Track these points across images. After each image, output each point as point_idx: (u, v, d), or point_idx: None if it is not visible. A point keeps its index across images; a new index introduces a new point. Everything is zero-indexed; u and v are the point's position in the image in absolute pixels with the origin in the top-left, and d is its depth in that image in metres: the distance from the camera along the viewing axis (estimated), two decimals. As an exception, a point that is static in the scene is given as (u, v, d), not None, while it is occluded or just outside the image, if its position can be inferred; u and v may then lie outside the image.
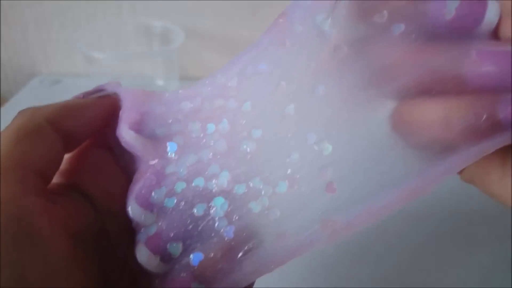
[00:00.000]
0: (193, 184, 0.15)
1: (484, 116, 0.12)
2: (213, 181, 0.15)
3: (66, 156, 0.16)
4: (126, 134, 0.15)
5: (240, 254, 0.14)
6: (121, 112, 0.16)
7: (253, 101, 0.15)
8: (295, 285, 0.28)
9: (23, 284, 0.11)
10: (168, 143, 0.15)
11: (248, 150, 0.15)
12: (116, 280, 0.16)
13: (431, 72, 0.12)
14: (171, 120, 0.16)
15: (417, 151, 0.13)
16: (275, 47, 0.15)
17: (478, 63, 0.12)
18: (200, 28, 0.51)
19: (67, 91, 0.61)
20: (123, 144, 0.16)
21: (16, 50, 0.55)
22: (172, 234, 0.14)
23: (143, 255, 0.14)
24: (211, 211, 0.15)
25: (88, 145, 0.17)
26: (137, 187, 0.15)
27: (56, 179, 0.16)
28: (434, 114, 0.12)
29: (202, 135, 0.15)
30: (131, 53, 0.54)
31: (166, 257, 0.14)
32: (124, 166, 0.17)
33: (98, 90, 0.17)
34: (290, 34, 0.15)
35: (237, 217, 0.14)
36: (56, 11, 0.52)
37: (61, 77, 0.54)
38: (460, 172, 0.15)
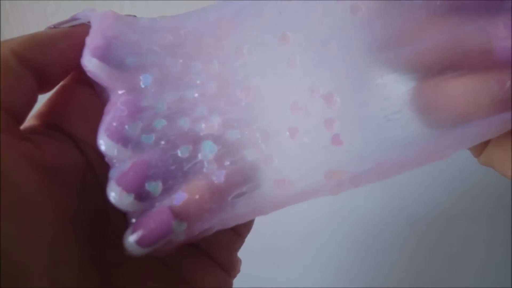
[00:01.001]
0: (177, 124, 0.14)
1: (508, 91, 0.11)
2: (201, 123, 0.14)
3: (47, 97, 0.15)
4: (88, 62, 0.14)
5: (231, 196, 0.14)
6: (86, 38, 0.15)
7: (250, 45, 0.14)
8: (294, 285, 0.28)
9: None
10: (141, 75, 0.14)
11: (243, 96, 0.14)
12: (105, 221, 0.15)
13: (455, 42, 0.12)
14: (145, 50, 0.14)
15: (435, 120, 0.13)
16: None
17: (505, 37, 0.11)
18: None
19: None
20: (88, 74, 0.14)
21: (17, 51, 0.55)
22: (150, 172, 0.14)
23: (114, 193, 0.14)
24: (198, 154, 0.14)
25: (69, 83, 0.16)
26: (107, 119, 0.14)
27: (35, 121, 0.15)
28: (460, 91, 0.12)
29: (185, 72, 0.14)
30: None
31: (143, 196, 0.14)
32: (105, 102, 0.15)
33: (72, 19, 0.16)
34: None
35: (228, 162, 0.14)
36: (58, 11, 0.52)
37: (62, 78, 0.54)
38: (478, 155, 0.14)
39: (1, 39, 0.63)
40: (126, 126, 0.14)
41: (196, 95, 0.14)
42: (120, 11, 0.54)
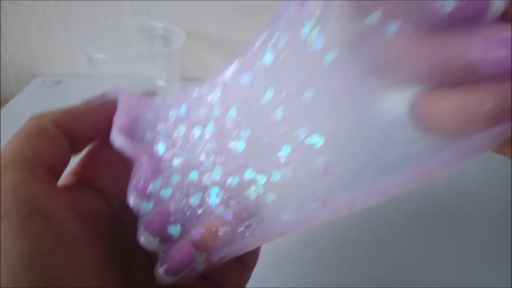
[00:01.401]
0: (188, 177, 0.17)
1: (503, 102, 0.11)
2: (207, 175, 0.17)
3: (78, 159, 0.18)
4: (115, 139, 0.17)
5: (240, 229, 0.16)
6: (114, 117, 0.18)
7: (239, 107, 0.16)
8: (294, 285, 0.28)
9: (39, 252, 0.13)
10: (157, 145, 0.17)
11: (239, 148, 0.16)
12: (132, 258, 0.18)
13: (438, 63, 0.12)
14: (159, 125, 0.17)
15: (431, 136, 0.13)
16: (258, 58, 0.16)
17: (487, 50, 0.11)
18: (201, 29, 0.52)
19: (68, 92, 0.61)
20: (116, 147, 0.17)
21: (17, 51, 0.55)
22: (169, 218, 0.16)
23: (143, 237, 0.16)
24: (207, 200, 0.16)
25: (97, 146, 0.19)
26: (135, 179, 0.17)
27: (70, 179, 0.18)
28: (451, 105, 0.12)
29: (190, 137, 0.17)
30: (133, 54, 0.54)
31: (166, 238, 0.16)
32: (129, 162, 0.18)
33: (102, 96, 0.19)
34: (275, 48, 0.15)
35: (234, 203, 0.16)
36: (58, 11, 0.52)
37: (62, 78, 0.54)
38: None
39: (1, 39, 0.63)
40: (150, 186, 0.17)
41: (201, 153, 0.17)
42: (120, 11, 0.54)
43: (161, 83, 0.52)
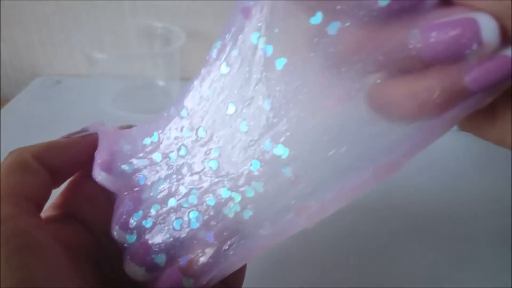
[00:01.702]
0: (167, 205, 0.17)
1: (451, 86, 0.12)
2: (184, 199, 0.17)
3: (59, 191, 0.19)
4: (97, 175, 0.18)
5: (224, 249, 0.16)
6: (95, 153, 0.18)
7: (206, 126, 0.16)
8: (294, 285, 0.28)
9: (30, 284, 0.13)
10: (138, 177, 0.18)
11: (210, 168, 0.17)
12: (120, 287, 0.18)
13: (384, 54, 0.13)
14: (136, 157, 0.18)
15: (389, 126, 0.14)
16: (215, 73, 0.16)
17: (427, 37, 0.12)
18: (201, 29, 0.51)
19: (68, 92, 0.61)
20: (98, 182, 0.18)
21: (17, 51, 0.55)
22: (154, 248, 0.17)
23: (129, 268, 0.17)
24: (188, 224, 0.17)
25: (78, 178, 0.19)
26: (118, 214, 0.18)
27: (53, 212, 0.18)
28: (402, 92, 0.13)
29: (165, 164, 0.17)
30: (132, 54, 0.54)
31: (152, 267, 0.17)
32: (110, 193, 0.19)
33: (82, 130, 0.20)
34: (229, 59, 0.16)
35: (214, 223, 0.16)
36: (58, 11, 0.52)
37: (62, 78, 0.54)
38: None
39: (1, 39, 0.63)
40: (131, 219, 0.17)
41: (177, 178, 0.17)
42: (120, 11, 0.54)
43: (161, 83, 0.52)
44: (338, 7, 0.13)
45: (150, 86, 0.52)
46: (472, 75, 0.12)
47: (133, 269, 0.17)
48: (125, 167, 0.18)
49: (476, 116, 0.14)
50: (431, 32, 0.12)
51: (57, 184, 0.18)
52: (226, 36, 0.16)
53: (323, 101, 0.14)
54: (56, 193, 0.19)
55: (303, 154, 0.15)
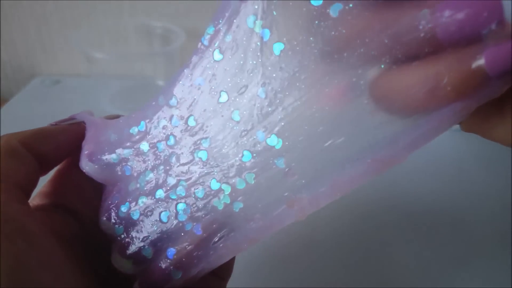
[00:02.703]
0: (155, 197, 0.17)
1: (464, 72, 0.11)
2: (173, 191, 0.16)
3: (48, 179, 0.19)
4: (85, 166, 0.17)
5: (212, 242, 0.16)
6: (83, 143, 0.18)
7: (196, 115, 0.16)
8: (294, 285, 0.28)
9: (22, 271, 0.13)
10: (124, 167, 0.17)
11: (200, 159, 0.16)
12: (111, 276, 0.18)
13: (391, 37, 0.12)
14: (123, 146, 0.17)
15: (389, 119, 0.13)
16: (207, 60, 0.15)
17: (437, 19, 0.11)
18: (200, 28, 0.51)
19: (67, 91, 0.61)
20: (85, 173, 0.18)
21: (16, 50, 0.55)
22: (141, 240, 0.17)
23: (117, 261, 0.17)
24: (176, 216, 0.16)
25: (65, 167, 0.19)
26: (105, 206, 0.18)
27: (41, 201, 0.18)
28: (408, 79, 0.12)
29: (153, 154, 0.17)
30: (132, 54, 0.54)
31: (140, 260, 0.17)
32: (98, 183, 0.19)
33: (70, 118, 0.19)
34: (222, 45, 0.15)
35: (203, 215, 0.16)
36: (57, 11, 0.52)
37: (61, 77, 0.54)
38: (460, 123, 0.14)
39: (1, 39, 0.62)
40: (119, 210, 0.17)
41: (164, 169, 0.17)
42: (120, 10, 0.54)
43: (160, 82, 0.52)
44: None
45: (149, 86, 0.52)
46: (491, 57, 0.10)
47: (121, 262, 0.17)
48: (111, 157, 0.17)
49: (483, 113, 0.13)
50: (443, 11, 0.11)
51: (44, 172, 0.18)
52: (220, 21, 0.15)
53: (321, 89, 0.14)
54: (43, 182, 0.18)
55: (297, 145, 0.14)
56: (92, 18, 0.52)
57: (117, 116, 0.19)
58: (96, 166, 0.17)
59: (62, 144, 0.18)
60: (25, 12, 0.52)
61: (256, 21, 0.14)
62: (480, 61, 0.11)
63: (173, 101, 0.16)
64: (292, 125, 0.14)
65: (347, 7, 0.12)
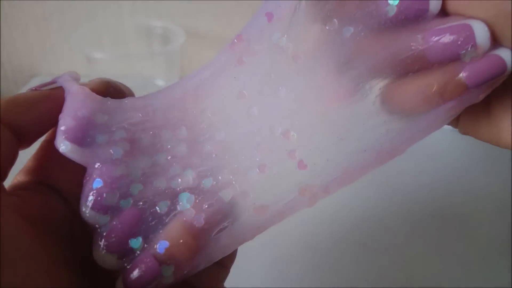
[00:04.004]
0: (153, 185, 0.16)
1: (448, 82, 0.14)
2: (177, 180, 0.16)
3: (30, 153, 0.17)
4: (60, 144, 0.15)
5: (214, 233, 0.15)
6: (60, 116, 0.16)
7: (213, 109, 0.16)
8: (294, 285, 0.28)
9: None
10: (112, 149, 0.15)
11: (213, 150, 0.16)
12: (98, 268, 0.16)
13: (390, 55, 0.15)
14: (114, 128, 0.16)
15: (392, 117, 0.16)
16: (233, 65, 0.17)
17: (428, 41, 0.14)
18: (200, 28, 0.51)
19: (67, 92, 0.60)
20: (62, 153, 0.15)
21: (16, 51, 0.55)
22: (130, 232, 0.15)
23: (98, 255, 0.15)
24: (177, 206, 0.15)
25: (50, 139, 0.16)
26: (86, 191, 0.15)
27: (25, 178, 0.16)
28: (411, 89, 0.15)
29: (155, 140, 0.16)
30: (132, 54, 0.54)
31: (125, 254, 0.15)
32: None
33: (51, 82, 0.17)
34: (248, 53, 0.17)
35: (206, 206, 0.15)
36: (56, 11, 0.52)
37: (61, 77, 0.54)
38: (457, 126, 0.18)
39: (0, 39, 0.62)
40: (104, 195, 0.15)
41: (168, 157, 0.16)
42: (119, 10, 0.54)
43: (160, 82, 0.52)
44: (352, 16, 0.15)
45: (149, 86, 0.52)
46: (468, 71, 0.14)
47: (103, 257, 0.15)
48: (96, 137, 0.15)
49: (474, 117, 0.17)
50: (431, 37, 0.14)
51: (25, 145, 0.16)
52: (248, 32, 0.17)
53: (334, 91, 0.16)
54: (26, 157, 0.17)
55: (311, 139, 0.16)
56: (92, 18, 0.52)
57: (103, 82, 0.18)
58: (75, 146, 0.15)
59: (43, 112, 0.15)
60: (25, 12, 0.52)
61: (280, 38, 0.16)
62: (460, 75, 0.14)
63: (189, 95, 0.17)
64: (307, 121, 0.16)
65: (357, 30, 0.15)
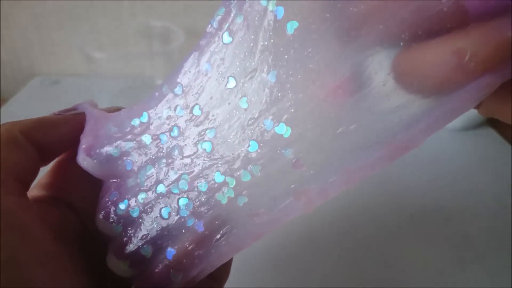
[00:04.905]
0: (156, 192, 0.16)
1: (488, 45, 0.10)
2: (174, 185, 0.16)
3: (47, 170, 0.18)
4: (82, 160, 0.17)
5: (214, 240, 0.15)
6: (81, 136, 0.17)
7: (202, 103, 0.15)
8: (294, 285, 0.28)
9: (14, 265, 0.13)
10: (125, 161, 0.17)
11: (204, 150, 0.15)
12: (109, 277, 0.17)
13: (411, 15, 0.11)
14: (124, 139, 0.17)
15: (408, 99, 0.12)
16: (215, 44, 0.14)
17: None
18: (200, 28, 0.51)
19: (66, 91, 0.61)
20: (83, 168, 0.17)
21: (16, 50, 0.54)
22: (140, 239, 0.16)
23: (112, 263, 0.16)
24: (178, 212, 0.16)
25: (66, 158, 0.18)
26: (102, 203, 0.17)
27: (40, 192, 0.18)
28: (429, 57, 0.11)
29: (155, 146, 0.16)
30: (131, 53, 0.54)
31: (137, 260, 0.16)
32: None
33: (73, 108, 0.19)
34: (232, 26, 0.14)
35: (205, 210, 0.15)
36: (56, 11, 0.52)
37: (60, 77, 0.54)
38: (478, 107, 0.13)
39: (1, 39, 0.62)
40: (117, 208, 0.16)
41: (166, 163, 0.16)
42: (119, 10, 0.54)
43: (160, 82, 0.51)
44: None
45: (149, 86, 0.52)
46: None
47: (116, 264, 0.16)
48: (111, 150, 0.17)
49: (503, 93, 0.12)
50: None
51: (45, 162, 0.17)
52: (231, 2, 0.14)
53: (335, 70, 0.13)
54: (42, 173, 0.18)
55: (307, 133, 0.14)
56: (92, 18, 0.52)
57: (119, 109, 0.19)
58: (94, 161, 0.16)
59: (64, 134, 0.17)
60: (24, 12, 0.52)
61: (269, 1, 0.13)
62: (508, 32, 0.10)
63: (178, 90, 0.16)
64: (303, 111, 0.13)
65: None
